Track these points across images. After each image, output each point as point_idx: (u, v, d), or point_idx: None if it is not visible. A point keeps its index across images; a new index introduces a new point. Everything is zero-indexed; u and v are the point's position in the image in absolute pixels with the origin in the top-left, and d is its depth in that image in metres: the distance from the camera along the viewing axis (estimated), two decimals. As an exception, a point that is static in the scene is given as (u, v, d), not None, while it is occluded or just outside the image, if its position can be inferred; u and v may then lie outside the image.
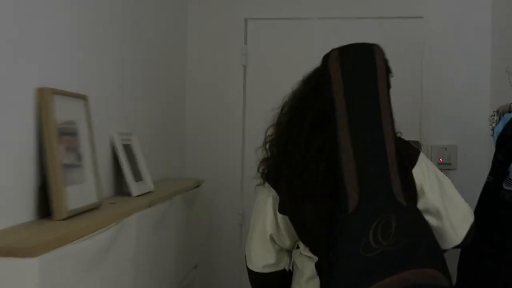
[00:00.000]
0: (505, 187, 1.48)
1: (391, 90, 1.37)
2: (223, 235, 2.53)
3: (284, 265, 1.39)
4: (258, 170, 1.34)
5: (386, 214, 1.12)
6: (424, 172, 1.26)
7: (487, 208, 1.55)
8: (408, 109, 2.34)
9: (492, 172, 1.61)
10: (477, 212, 1.57)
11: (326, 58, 1.25)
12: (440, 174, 1.31)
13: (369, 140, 1.18)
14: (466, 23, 2.35)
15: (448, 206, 1.26)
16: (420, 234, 1.16)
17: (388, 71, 1.28)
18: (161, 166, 2.17)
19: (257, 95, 2.51)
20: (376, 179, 1.15)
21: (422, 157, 1.28)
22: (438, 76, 2.36)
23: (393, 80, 1.43)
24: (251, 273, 1.40)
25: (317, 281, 1.26)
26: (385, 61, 1.27)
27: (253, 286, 1.43)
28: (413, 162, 1.26)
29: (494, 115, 1.80)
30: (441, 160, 2.35)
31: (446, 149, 2.36)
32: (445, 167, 2.30)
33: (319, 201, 1.21)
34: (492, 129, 1.77)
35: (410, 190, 1.22)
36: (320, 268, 1.25)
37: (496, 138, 1.65)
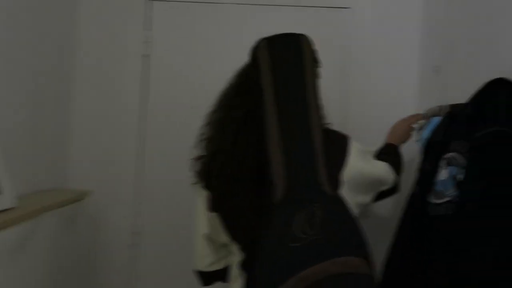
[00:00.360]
0: (432, 200, 1.41)
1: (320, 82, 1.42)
2: (113, 258, 2.30)
3: (228, 262, 1.50)
4: (191, 169, 1.44)
5: (312, 204, 1.21)
6: (356, 161, 1.38)
7: (414, 217, 1.50)
8: (333, 108, 2.25)
9: (418, 182, 1.55)
10: (402, 225, 1.54)
11: (255, 48, 1.38)
12: (366, 149, 1.49)
13: (297, 132, 1.29)
14: (395, 16, 2.31)
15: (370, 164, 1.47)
16: (344, 223, 1.25)
17: (315, 62, 1.41)
18: (33, 175, 1.91)
19: (163, 90, 2.32)
20: (303, 170, 1.26)
21: (353, 148, 1.39)
22: (365, 73, 2.29)
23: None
24: (196, 273, 1.53)
25: (240, 280, 1.36)
26: (313, 52, 1.39)
27: (202, 285, 1.54)
28: (345, 155, 1.36)
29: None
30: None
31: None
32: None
33: (247, 195, 1.32)
34: (418, 134, 1.73)
35: (337, 179, 1.32)
36: (244, 265, 1.36)
37: (422, 144, 1.60)
